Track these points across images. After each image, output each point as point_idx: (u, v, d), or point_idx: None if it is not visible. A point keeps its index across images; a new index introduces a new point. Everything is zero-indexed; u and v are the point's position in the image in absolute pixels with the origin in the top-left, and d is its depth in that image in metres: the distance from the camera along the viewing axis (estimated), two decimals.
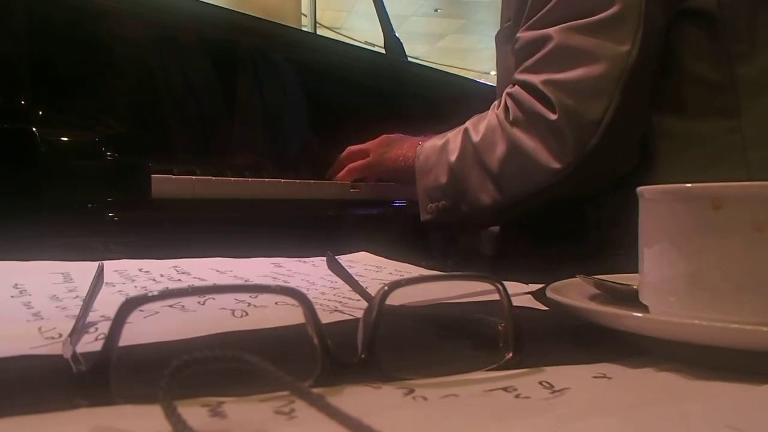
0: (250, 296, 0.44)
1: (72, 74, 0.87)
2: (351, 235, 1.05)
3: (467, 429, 0.23)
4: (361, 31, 5.11)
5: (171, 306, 0.40)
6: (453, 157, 0.90)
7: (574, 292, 0.41)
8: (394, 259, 0.68)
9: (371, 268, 0.64)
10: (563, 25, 0.80)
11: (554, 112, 0.79)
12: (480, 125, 0.88)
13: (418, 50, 7.29)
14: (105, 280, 0.43)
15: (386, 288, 0.29)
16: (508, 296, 0.31)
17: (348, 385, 0.26)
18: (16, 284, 0.47)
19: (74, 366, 0.25)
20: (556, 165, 0.80)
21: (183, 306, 0.40)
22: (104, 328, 0.28)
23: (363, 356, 0.27)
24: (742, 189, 0.32)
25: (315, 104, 1.18)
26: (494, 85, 1.09)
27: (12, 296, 0.44)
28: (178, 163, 0.90)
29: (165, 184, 0.85)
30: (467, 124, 0.92)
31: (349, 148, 1.13)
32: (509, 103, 0.85)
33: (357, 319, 0.28)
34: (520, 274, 0.55)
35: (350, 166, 1.11)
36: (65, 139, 0.81)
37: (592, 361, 0.31)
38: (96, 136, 0.84)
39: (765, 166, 0.79)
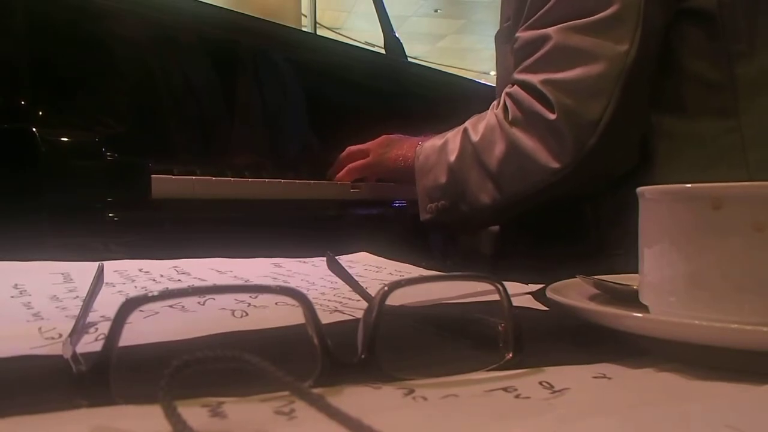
0: (250, 296, 0.44)
1: (72, 74, 0.87)
2: (351, 235, 1.05)
3: (467, 429, 0.23)
4: (361, 31, 5.11)
5: (171, 306, 0.40)
6: (452, 157, 0.90)
7: (574, 292, 0.41)
8: (394, 259, 0.68)
9: (371, 268, 0.64)
10: (562, 24, 0.80)
11: (553, 112, 0.79)
12: (479, 125, 0.88)
13: (418, 50, 7.29)
14: (105, 281, 0.43)
15: (386, 288, 0.29)
16: (508, 296, 0.31)
17: (348, 385, 0.26)
18: (16, 284, 0.47)
19: (74, 366, 0.25)
20: (555, 165, 0.80)
21: (183, 306, 0.40)
22: (104, 328, 0.28)
23: (363, 356, 0.27)
24: (742, 189, 0.32)
25: (315, 104, 1.18)
26: (494, 85, 1.09)
27: (12, 296, 0.44)
28: (178, 163, 0.90)
29: (165, 184, 0.85)
30: (467, 123, 0.92)
31: (349, 148, 1.13)
32: (508, 102, 0.85)
33: (357, 320, 0.28)
34: (520, 274, 0.55)
35: (350, 166, 1.12)
36: (65, 139, 0.81)
37: (592, 361, 0.31)
38: (96, 136, 0.84)
39: (764, 166, 0.79)
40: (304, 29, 2.19)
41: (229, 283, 0.53)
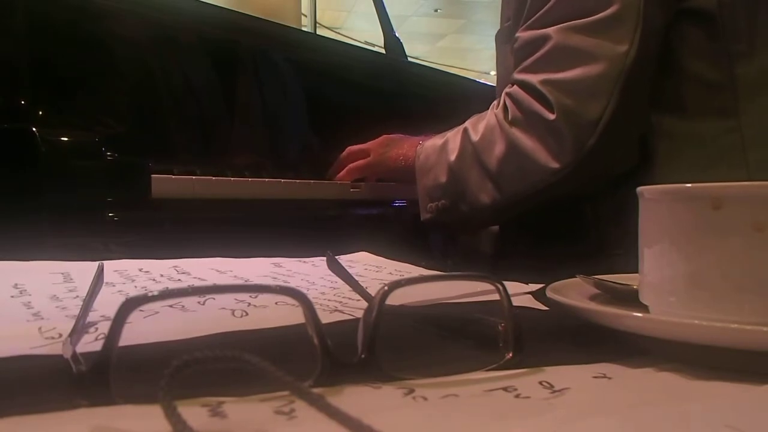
0: (250, 296, 0.44)
1: (72, 74, 0.87)
2: (351, 235, 1.05)
3: (467, 429, 0.23)
4: (361, 31, 5.11)
5: (171, 306, 0.40)
6: (452, 157, 0.90)
7: (574, 292, 0.41)
8: (394, 259, 0.68)
9: (371, 268, 0.64)
10: (562, 24, 0.80)
11: (552, 112, 0.79)
12: (479, 125, 0.89)
13: (418, 50, 7.29)
14: (105, 280, 0.43)
15: (386, 288, 0.29)
16: (508, 296, 0.31)
17: (348, 385, 0.26)
18: (16, 284, 0.47)
19: (74, 366, 0.25)
20: (554, 165, 0.80)
21: (183, 306, 0.40)
22: (104, 328, 0.28)
23: (363, 356, 0.27)
24: (742, 189, 0.32)
25: (315, 104, 1.18)
26: (494, 85, 1.09)
27: (12, 296, 0.44)
28: (178, 163, 0.90)
29: (165, 184, 0.85)
30: (467, 123, 0.92)
31: (349, 148, 1.13)
32: (508, 102, 0.85)
33: (357, 319, 0.28)
34: (520, 274, 0.55)
35: (350, 166, 1.12)
36: (65, 139, 0.81)
37: (592, 361, 0.31)
38: (96, 136, 0.84)
39: (764, 166, 0.79)
40: (304, 29, 2.20)
41: (229, 283, 0.53)
